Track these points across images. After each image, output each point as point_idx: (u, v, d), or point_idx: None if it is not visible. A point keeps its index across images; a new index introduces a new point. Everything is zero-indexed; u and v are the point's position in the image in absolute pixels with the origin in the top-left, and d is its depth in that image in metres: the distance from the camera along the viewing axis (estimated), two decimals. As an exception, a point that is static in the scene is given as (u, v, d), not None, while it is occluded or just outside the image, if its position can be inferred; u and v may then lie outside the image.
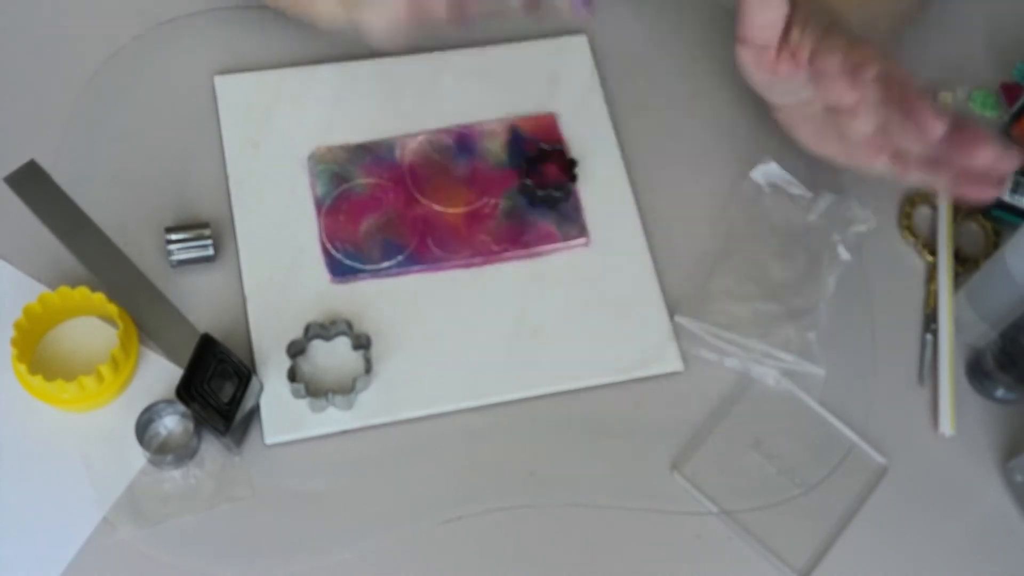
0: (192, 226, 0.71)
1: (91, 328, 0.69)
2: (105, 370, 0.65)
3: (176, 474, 0.66)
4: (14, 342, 0.65)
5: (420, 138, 0.77)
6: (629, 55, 0.79)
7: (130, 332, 0.68)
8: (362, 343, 0.69)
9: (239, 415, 0.65)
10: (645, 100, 0.81)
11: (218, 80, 0.77)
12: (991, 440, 0.73)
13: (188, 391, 0.65)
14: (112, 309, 0.67)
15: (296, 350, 0.69)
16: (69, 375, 0.65)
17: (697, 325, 0.73)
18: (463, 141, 0.77)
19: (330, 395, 0.67)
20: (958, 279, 0.77)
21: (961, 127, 0.68)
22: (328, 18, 0.69)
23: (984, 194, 0.69)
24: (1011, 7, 0.88)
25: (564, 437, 0.70)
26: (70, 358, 0.68)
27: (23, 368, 0.65)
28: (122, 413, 0.67)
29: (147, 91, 0.77)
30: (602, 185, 0.77)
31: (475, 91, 0.79)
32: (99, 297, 0.67)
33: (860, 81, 0.69)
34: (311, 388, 0.68)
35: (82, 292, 0.67)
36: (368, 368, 0.68)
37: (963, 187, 0.69)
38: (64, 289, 0.67)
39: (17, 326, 0.66)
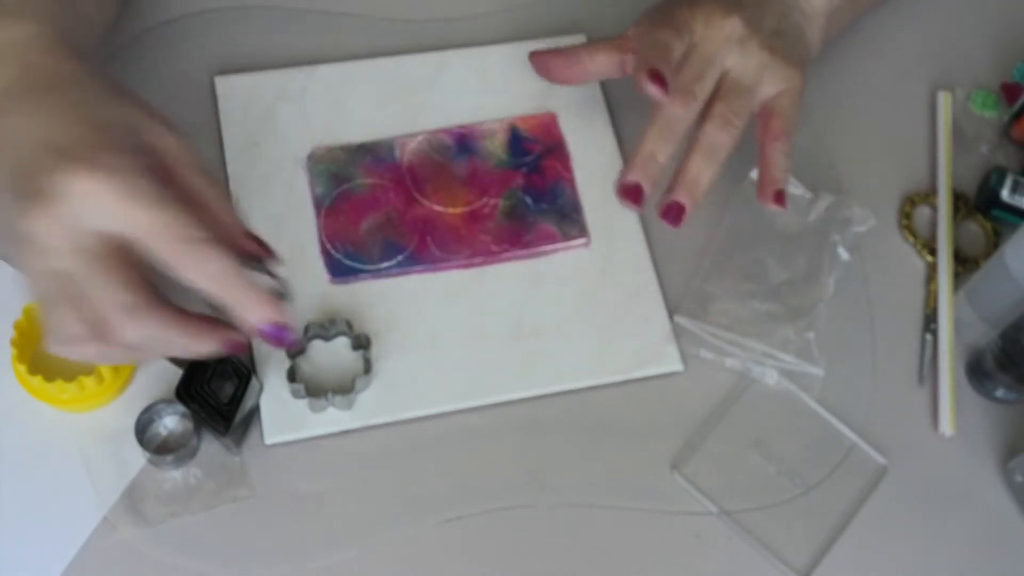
0: (192, 226, 0.71)
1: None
2: (105, 371, 0.65)
3: (176, 474, 0.66)
4: (14, 342, 0.65)
5: (420, 138, 0.77)
6: (629, 55, 0.79)
7: (130, 332, 0.67)
8: (362, 343, 0.69)
9: (239, 415, 0.66)
10: (645, 99, 0.81)
11: (218, 80, 0.77)
12: (991, 440, 0.73)
13: (188, 391, 0.65)
14: (112, 310, 0.67)
15: (295, 350, 0.69)
16: (69, 375, 0.65)
17: (697, 325, 0.73)
18: (463, 141, 0.77)
19: (330, 395, 0.67)
20: (958, 279, 0.77)
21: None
22: None
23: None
24: (1011, 7, 0.88)
25: (564, 437, 0.70)
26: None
27: (23, 368, 0.65)
28: (122, 413, 0.67)
29: (147, 91, 0.76)
30: (602, 185, 0.77)
31: (475, 91, 0.79)
32: (99, 298, 0.67)
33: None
34: (311, 388, 0.68)
35: None
36: (368, 368, 0.68)
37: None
38: (64, 289, 0.67)
39: (17, 326, 0.66)
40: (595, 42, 0.76)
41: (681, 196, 0.68)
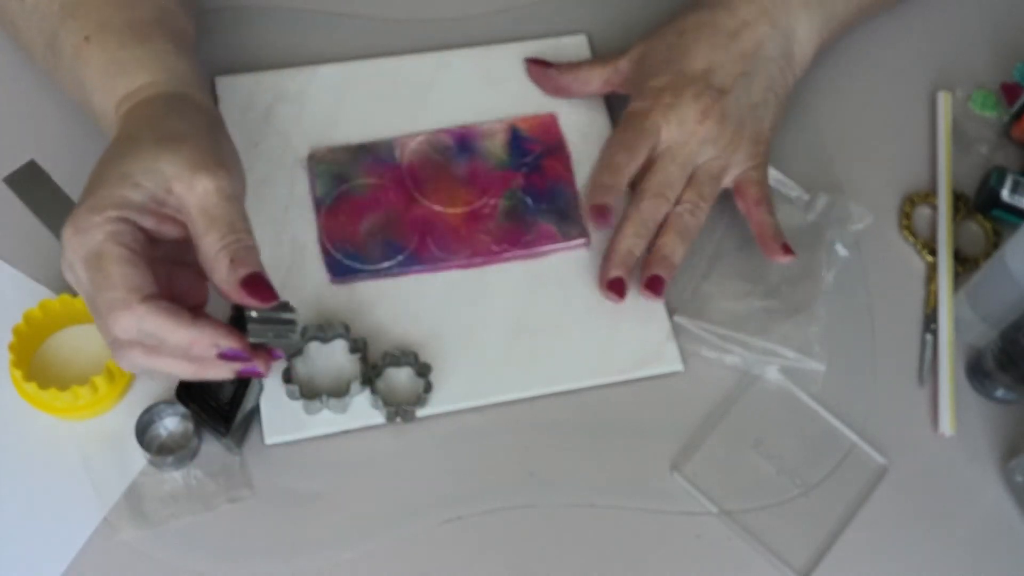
0: (192, 227, 0.71)
1: (92, 336, 0.69)
2: (100, 381, 0.65)
3: (177, 475, 0.66)
4: (12, 347, 0.65)
5: (420, 138, 0.77)
6: (629, 55, 0.79)
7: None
8: (359, 347, 0.69)
9: (239, 416, 0.66)
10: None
11: (218, 80, 0.77)
12: (991, 440, 0.73)
13: (188, 392, 0.65)
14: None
15: (293, 351, 0.69)
16: (68, 382, 0.65)
17: (697, 324, 0.73)
18: (463, 141, 0.77)
19: (324, 397, 0.67)
20: (958, 279, 0.77)
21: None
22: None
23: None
24: (1011, 7, 0.88)
25: (564, 437, 0.70)
26: (69, 365, 0.68)
27: (18, 374, 0.65)
28: (122, 415, 0.67)
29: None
30: (602, 185, 0.77)
31: (475, 91, 0.79)
32: (99, 306, 0.66)
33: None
34: (306, 390, 0.68)
35: (83, 301, 0.67)
36: (365, 379, 0.68)
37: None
38: (65, 297, 0.67)
39: (16, 331, 0.65)
40: (589, 64, 0.78)
41: (659, 270, 0.71)
